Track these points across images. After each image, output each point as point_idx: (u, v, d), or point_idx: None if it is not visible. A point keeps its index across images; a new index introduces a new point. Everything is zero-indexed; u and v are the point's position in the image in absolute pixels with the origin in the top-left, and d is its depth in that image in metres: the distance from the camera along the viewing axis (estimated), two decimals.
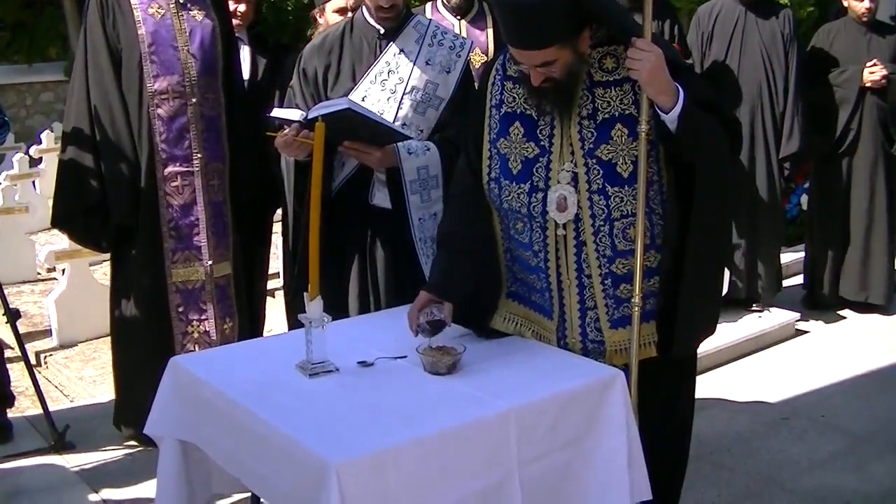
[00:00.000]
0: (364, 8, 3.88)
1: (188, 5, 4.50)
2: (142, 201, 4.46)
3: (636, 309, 2.96)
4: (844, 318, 6.76)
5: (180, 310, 4.57)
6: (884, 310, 6.75)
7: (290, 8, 11.82)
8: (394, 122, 3.72)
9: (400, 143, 3.70)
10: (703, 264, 2.98)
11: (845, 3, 6.66)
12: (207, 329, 4.60)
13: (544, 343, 3.14)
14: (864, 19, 6.56)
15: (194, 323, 4.59)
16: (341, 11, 4.71)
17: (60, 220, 4.58)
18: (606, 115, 2.92)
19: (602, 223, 2.94)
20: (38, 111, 14.76)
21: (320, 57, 3.88)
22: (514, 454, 2.61)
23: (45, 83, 14.79)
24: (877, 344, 6.24)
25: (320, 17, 4.85)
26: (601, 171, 2.91)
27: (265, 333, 5.44)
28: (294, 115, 3.64)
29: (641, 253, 2.92)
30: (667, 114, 2.80)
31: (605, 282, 3.00)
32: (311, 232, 2.92)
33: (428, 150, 3.77)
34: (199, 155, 4.49)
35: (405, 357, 2.97)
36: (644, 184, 2.87)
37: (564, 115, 2.95)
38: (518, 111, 3.05)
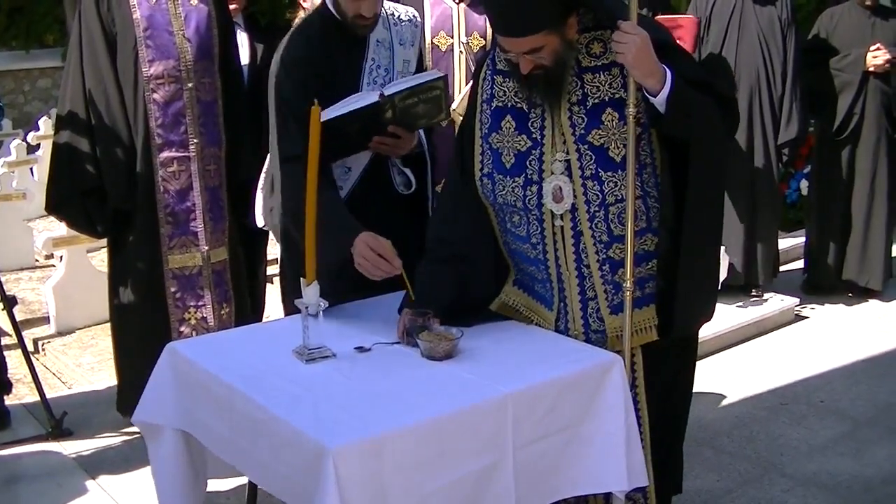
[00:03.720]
0: (329, 7, 3.59)
1: None
2: (138, 187, 4.44)
3: (627, 294, 2.96)
4: (844, 303, 6.75)
5: (177, 296, 4.55)
6: (882, 295, 6.75)
7: None
8: None
9: None
10: (700, 243, 2.99)
11: None
12: (205, 315, 4.59)
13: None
14: (868, 3, 6.54)
15: (191, 309, 4.58)
16: None
17: (55, 205, 4.55)
18: (596, 101, 2.90)
19: (597, 209, 2.94)
20: (36, 97, 14.70)
21: (308, 68, 3.51)
22: (510, 438, 2.61)
23: (43, 69, 14.71)
24: (876, 329, 6.23)
25: (305, 1, 4.80)
26: (593, 157, 2.90)
27: (264, 319, 5.43)
28: (370, 98, 3.42)
29: (632, 236, 2.91)
30: (655, 96, 2.79)
31: (604, 268, 3.00)
32: (307, 218, 2.91)
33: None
34: (195, 140, 4.47)
35: (402, 342, 2.97)
36: (633, 167, 2.87)
37: (554, 104, 2.93)
38: (509, 105, 3.04)
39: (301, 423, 2.43)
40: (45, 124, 10.57)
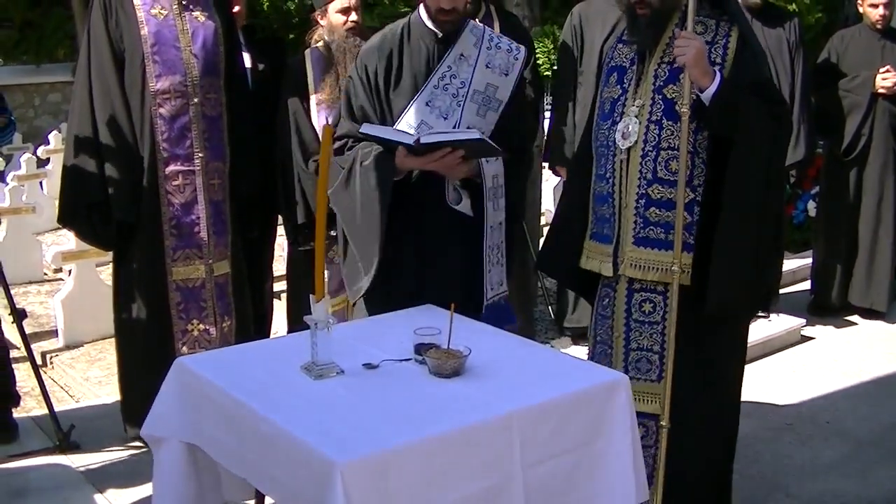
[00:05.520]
0: (420, 10, 3.86)
1: (191, 6, 4.53)
2: (143, 199, 4.49)
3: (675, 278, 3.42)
4: (850, 324, 6.75)
5: (180, 307, 4.59)
6: (887, 317, 6.75)
7: (293, 8, 11.78)
8: (458, 124, 3.76)
9: None
10: (735, 241, 3.38)
11: (860, 10, 6.67)
12: (207, 327, 4.62)
13: (604, 265, 3.62)
14: (879, 26, 6.56)
15: (194, 321, 4.61)
16: (345, 11, 4.72)
17: (65, 217, 4.61)
18: (679, 65, 3.38)
19: (651, 149, 3.46)
20: (46, 111, 14.78)
21: (380, 59, 3.83)
22: (517, 457, 2.62)
23: (53, 84, 14.80)
24: (882, 351, 6.24)
25: (322, 18, 4.85)
26: (662, 106, 3.45)
27: (271, 335, 5.45)
28: (405, 138, 3.59)
29: (679, 233, 3.40)
30: (702, 93, 3.33)
31: (639, 202, 3.49)
32: (317, 237, 2.94)
33: (496, 158, 3.81)
34: (200, 154, 4.52)
35: (410, 360, 2.98)
36: (684, 168, 3.37)
37: (649, 47, 3.49)
38: (618, 64, 3.63)
39: (309, 439, 2.45)
40: (55, 138, 10.66)
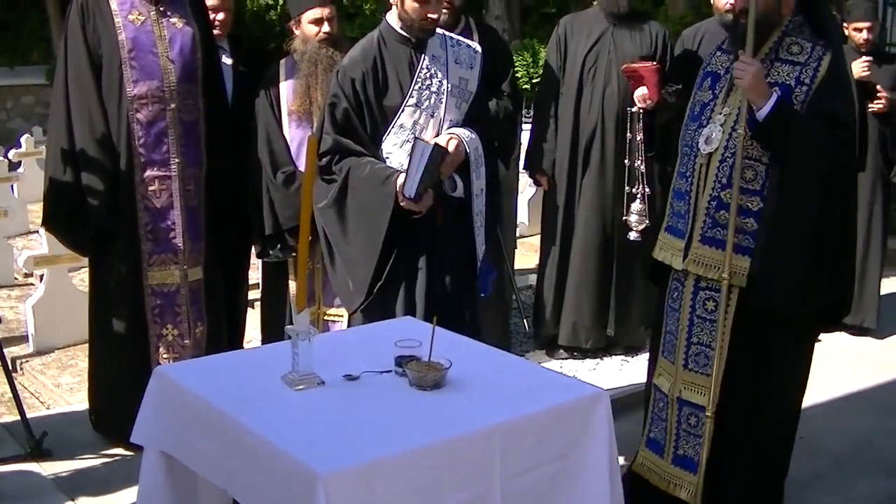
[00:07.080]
0: (390, 20, 4.19)
1: (168, 13, 4.52)
2: (120, 204, 4.46)
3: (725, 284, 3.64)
4: (826, 339, 6.76)
5: (156, 312, 4.58)
6: (871, 333, 6.79)
7: (275, 18, 11.77)
8: (443, 119, 4.17)
9: (456, 130, 4.14)
10: (782, 250, 3.58)
11: (846, 33, 6.72)
12: (181, 332, 4.60)
13: (675, 259, 3.83)
14: (864, 49, 6.62)
15: (168, 326, 4.59)
16: (317, 22, 4.72)
17: (45, 220, 4.63)
18: (770, 80, 3.62)
19: (729, 156, 3.65)
20: (19, 114, 14.66)
21: (365, 69, 4.12)
22: (498, 469, 2.63)
23: (27, 86, 14.69)
24: (858, 365, 6.26)
25: (296, 28, 4.84)
26: (748, 117, 3.58)
27: (245, 344, 5.42)
28: (407, 189, 3.92)
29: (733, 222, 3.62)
30: (757, 111, 3.54)
31: (711, 203, 3.69)
32: (300, 248, 2.92)
33: (471, 133, 4.19)
34: (176, 159, 4.51)
35: (391, 371, 2.97)
36: (738, 182, 3.60)
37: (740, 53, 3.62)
38: (713, 70, 3.86)
39: (291, 449, 2.44)
40: (27, 141, 10.56)
